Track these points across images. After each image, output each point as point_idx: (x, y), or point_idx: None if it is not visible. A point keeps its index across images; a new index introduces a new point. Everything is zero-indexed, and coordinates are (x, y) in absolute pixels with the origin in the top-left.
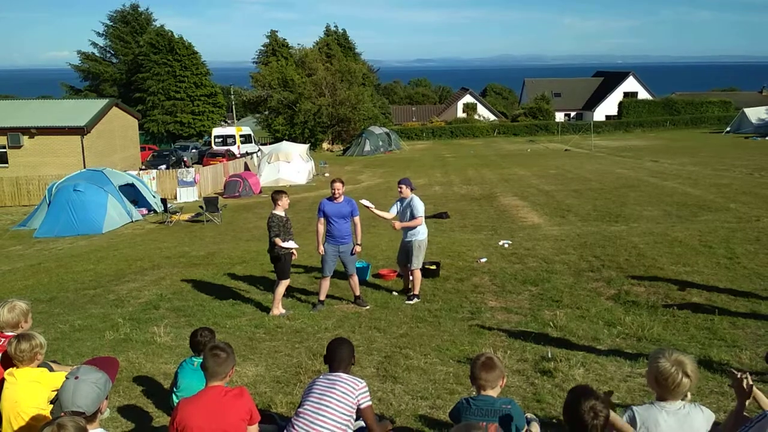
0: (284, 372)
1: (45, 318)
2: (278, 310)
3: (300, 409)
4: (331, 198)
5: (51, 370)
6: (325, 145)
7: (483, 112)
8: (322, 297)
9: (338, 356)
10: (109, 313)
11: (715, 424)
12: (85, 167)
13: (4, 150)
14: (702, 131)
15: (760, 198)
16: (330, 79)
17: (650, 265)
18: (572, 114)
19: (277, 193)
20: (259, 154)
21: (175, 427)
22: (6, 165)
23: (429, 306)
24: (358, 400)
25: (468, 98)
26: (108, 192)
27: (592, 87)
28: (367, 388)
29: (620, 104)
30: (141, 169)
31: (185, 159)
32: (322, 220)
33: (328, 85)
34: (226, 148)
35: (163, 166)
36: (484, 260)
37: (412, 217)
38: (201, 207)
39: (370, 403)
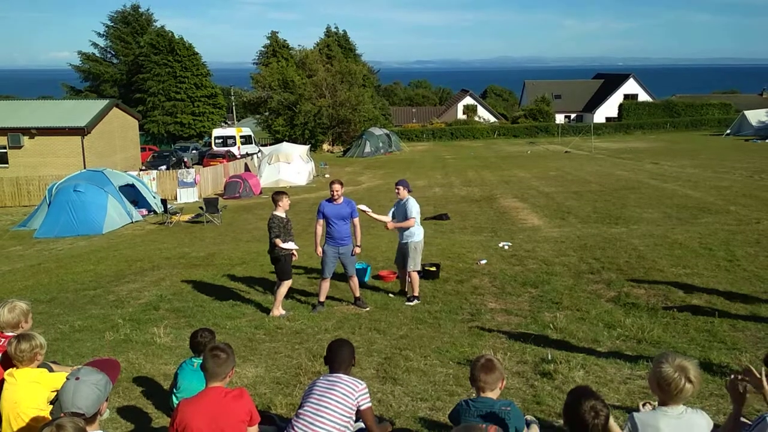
0: (284, 373)
1: (45, 318)
2: (278, 310)
3: (300, 410)
4: (331, 199)
5: (51, 370)
6: (325, 147)
7: (483, 114)
8: (322, 298)
9: (339, 357)
10: (109, 313)
11: (715, 427)
12: (85, 168)
13: (5, 150)
14: (702, 133)
15: (760, 200)
16: (330, 81)
17: (650, 267)
18: (572, 116)
19: (277, 194)
20: (259, 155)
21: (175, 428)
22: (6, 165)
23: (429, 307)
24: (357, 402)
25: (468, 100)
26: (108, 192)
27: (592, 89)
28: (367, 390)
29: (620, 106)
30: (141, 170)
31: (185, 160)
32: (321, 221)
33: (328, 87)
34: (226, 149)
35: (164, 167)
36: (484, 262)
37: (406, 218)
38: (201, 208)
39: (370, 404)
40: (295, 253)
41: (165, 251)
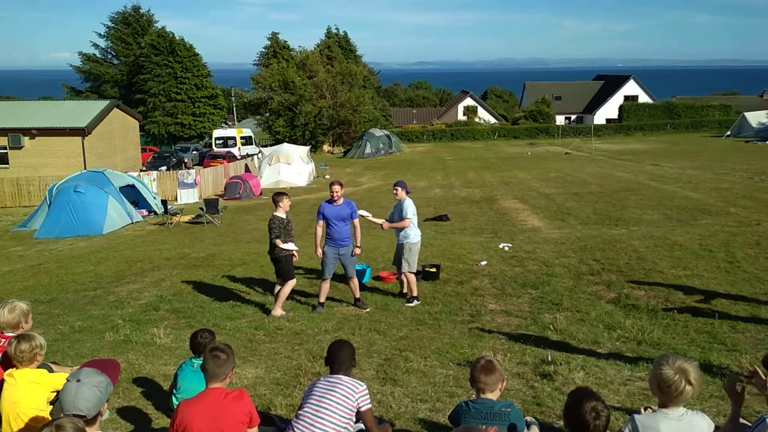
0: (284, 374)
1: (45, 319)
2: (280, 311)
3: (300, 411)
4: (331, 200)
5: (51, 371)
6: (325, 147)
7: (483, 115)
8: (322, 299)
9: (339, 358)
10: (109, 314)
11: (716, 428)
12: (85, 168)
13: (5, 151)
14: (702, 135)
15: (761, 202)
16: (331, 82)
17: (650, 268)
18: (573, 117)
19: (278, 195)
20: (259, 155)
21: (175, 429)
22: (7, 166)
23: (429, 309)
24: (358, 403)
25: (469, 101)
26: (108, 193)
27: (592, 90)
28: (367, 391)
29: (621, 108)
30: (142, 171)
31: (186, 160)
32: (321, 222)
33: (328, 88)
34: (226, 149)
35: (164, 168)
36: (484, 263)
37: (401, 218)
38: (201, 208)
39: (370, 406)
40: (295, 253)
41: (165, 252)
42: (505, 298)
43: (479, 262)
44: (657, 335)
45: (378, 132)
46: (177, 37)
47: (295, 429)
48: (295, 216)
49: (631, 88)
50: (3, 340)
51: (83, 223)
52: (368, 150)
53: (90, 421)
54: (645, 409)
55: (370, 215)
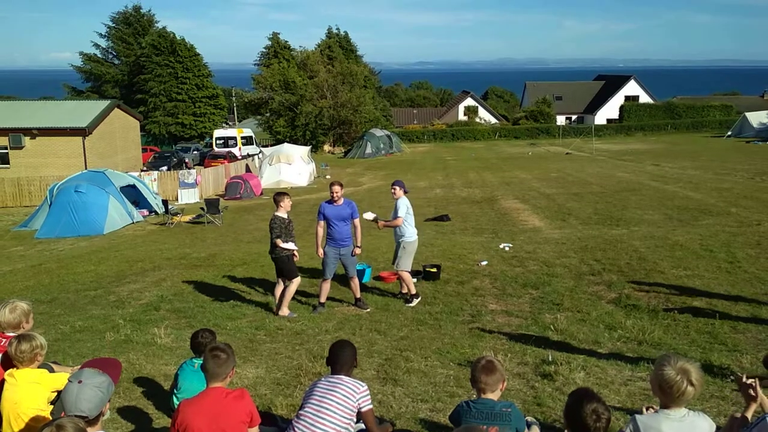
0: (284, 374)
1: (46, 319)
2: (286, 310)
3: (301, 411)
4: (331, 201)
5: (51, 371)
6: (326, 148)
7: (484, 115)
8: (323, 299)
9: (340, 359)
10: (109, 314)
11: (717, 429)
12: (86, 168)
13: (6, 151)
14: (703, 135)
15: (761, 202)
16: (331, 82)
17: (651, 268)
18: (573, 117)
19: (279, 195)
20: (260, 155)
21: (176, 429)
22: (7, 166)
23: (430, 309)
24: (359, 404)
25: (469, 101)
26: (109, 193)
27: (593, 90)
28: (368, 392)
29: (621, 108)
30: (142, 171)
31: (187, 160)
32: (322, 223)
33: (329, 88)
34: (227, 149)
35: (165, 168)
36: (484, 263)
37: (395, 217)
38: (202, 208)
39: (371, 406)
40: (296, 253)
41: (166, 252)
42: (506, 298)
43: (480, 262)
44: (658, 335)
45: (379, 132)
46: (178, 37)
47: (296, 429)
48: (295, 216)
49: (631, 88)
50: (4, 340)
51: (84, 223)
52: (369, 150)
53: (92, 422)
54: (646, 408)
55: (372, 217)
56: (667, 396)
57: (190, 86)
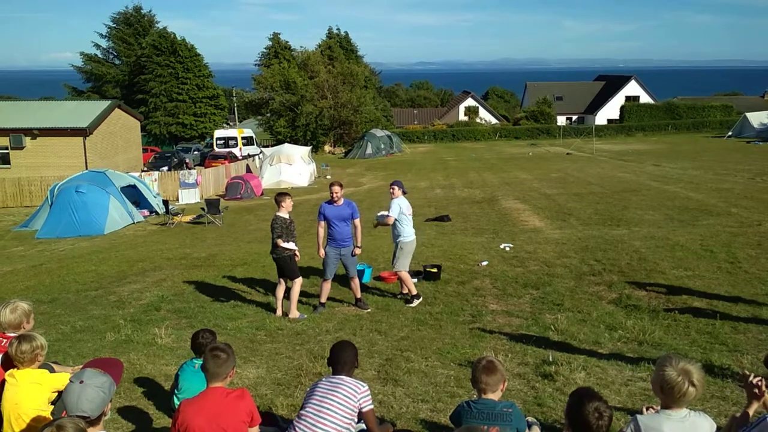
0: (285, 374)
1: (46, 319)
2: (296, 312)
3: (302, 411)
4: (331, 201)
5: (52, 371)
6: (326, 148)
7: (485, 116)
8: (323, 299)
9: (342, 359)
10: (110, 314)
11: (718, 429)
12: (87, 168)
13: (7, 151)
14: (704, 135)
15: (762, 202)
16: (332, 82)
17: (651, 269)
18: (574, 117)
19: (280, 195)
20: (261, 156)
21: (177, 429)
22: (8, 166)
23: (430, 309)
24: (359, 404)
25: (470, 101)
26: (110, 193)
27: (594, 91)
28: (369, 392)
29: (622, 108)
30: (143, 171)
31: (187, 161)
32: (322, 223)
33: (330, 88)
34: (228, 150)
35: (165, 168)
36: (485, 263)
37: (386, 215)
38: (203, 209)
39: (371, 406)
40: (297, 253)
41: (166, 252)
42: (507, 298)
43: (480, 263)
44: (658, 336)
45: (379, 132)
46: (178, 38)
47: (297, 429)
48: (296, 216)
49: (632, 88)
50: (4, 341)
51: (85, 223)
52: (369, 150)
53: (93, 422)
54: (647, 408)
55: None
56: (668, 396)
57: (191, 86)
